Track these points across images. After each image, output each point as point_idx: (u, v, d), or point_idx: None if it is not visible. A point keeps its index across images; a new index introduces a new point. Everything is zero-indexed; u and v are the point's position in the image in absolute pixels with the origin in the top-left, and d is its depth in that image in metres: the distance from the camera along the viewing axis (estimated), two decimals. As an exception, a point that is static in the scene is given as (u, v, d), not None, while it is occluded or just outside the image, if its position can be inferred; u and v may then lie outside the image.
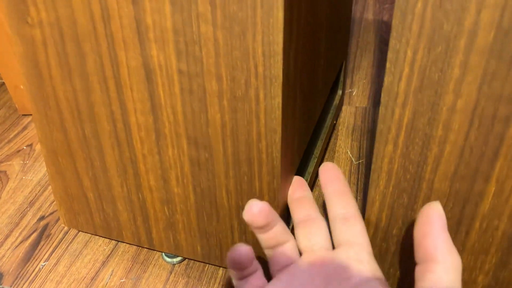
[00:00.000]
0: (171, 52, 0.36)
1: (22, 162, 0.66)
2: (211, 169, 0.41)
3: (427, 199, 0.36)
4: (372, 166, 0.36)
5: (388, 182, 0.36)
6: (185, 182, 0.43)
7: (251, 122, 0.37)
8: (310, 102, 0.48)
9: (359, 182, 0.58)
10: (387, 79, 0.33)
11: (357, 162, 0.61)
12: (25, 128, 0.74)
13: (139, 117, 0.41)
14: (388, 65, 0.32)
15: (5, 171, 0.65)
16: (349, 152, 0.63)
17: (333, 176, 0.42)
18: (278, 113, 0.36)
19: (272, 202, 0.40)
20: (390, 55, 0.32)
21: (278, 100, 0.35)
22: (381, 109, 0.34)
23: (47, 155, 0.48)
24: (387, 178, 0.36)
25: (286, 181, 0.42)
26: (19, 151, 0.69)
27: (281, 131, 0.37)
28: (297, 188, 0.43)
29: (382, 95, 0.33)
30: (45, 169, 0.65)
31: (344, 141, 0.65)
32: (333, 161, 0.62)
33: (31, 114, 0.77)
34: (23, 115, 0.77)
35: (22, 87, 0.73)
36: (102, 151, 0.44)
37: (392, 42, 0.31)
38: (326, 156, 0.63)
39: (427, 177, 0.35)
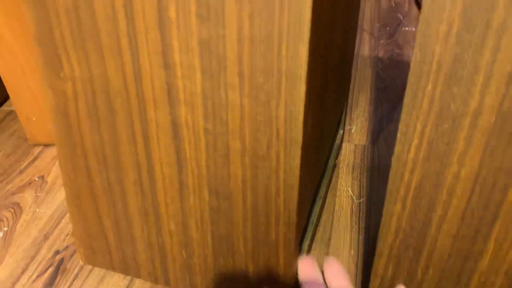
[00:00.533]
0: (199, 113, 0.40)
1: (34, 194, 0.69)
2: (230, 218, 0.44)
3: (431, 254, 0.39)
4: (382, 222, 0.40)
5: (395, 237, 0.40)
6: (204, 228, 0.45)
7: (271, 179, 0.40)
8: (319, 152, 0.51)
9: (360, 221, 0.62)
10: (397, 148, 0.36)
11: (358, 201, 0.65)
12: (36, 158, 0.76)
13: (164, 168, 0.44)
14: (399, 135, 0.36)
15: (18, 203, 0.67)
16: (350, 191, 0.66)
17: (336, 271, 0.44)
18: (296, 171, 0.39)
19: (287, 249, 0.44)
20: (401, 127, 0.35)
21: (297, 161, 0.39)
22: (391, 173, 0.37)
23: (70, 197, 0.50)
24: (395, 233, 0.40)
25: (299, 228, 0.46)
26: (30, 182, 0.71)
27: (299, 187, 0.40)
28: (308, 270, 0.45)
29: (393, 160, 0.37)
30: (58, 201, 0.67)
31: (345, 180, 0.68)
32: (335, 200, 0.65)
33: (41, 144, 0.79)
34: (33, 145, 0.79)
35: (34, 119, 0.75)
36: (125, 197, 0.47)
37: (404, 116, 0.35)
38: (328, 194, 0.66)
39: (431, 235, 0.38)
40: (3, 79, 0.71)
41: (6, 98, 0.91)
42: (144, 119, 0.42)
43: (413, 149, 0.35)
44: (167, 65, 0.38)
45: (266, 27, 0.34)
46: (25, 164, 0.75)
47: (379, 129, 0.79)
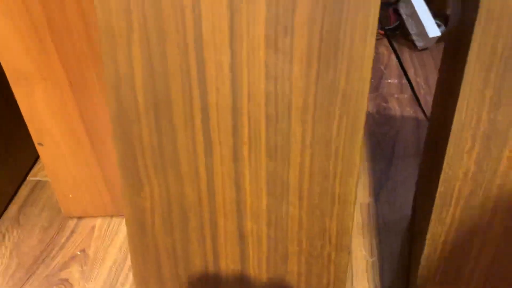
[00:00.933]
0: (263, 224, 0.49)
1: (80, 268, 0.75)
2: (285, 302, 0.53)
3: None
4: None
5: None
6: (262, 310, 0.54)
7: (322, 274, 0.50)
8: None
9: (375, 280, 0.72)
10: (424, 255, 0.46)
11: (372, 259, 0.75)
12: (73, 232, 0.82)
13: (229, 263, 0.52)
14: (426, 248, 0.46)
15: (67, 279, 0.74)
16: (363, 251, 0.76)
17: None
18: (345, 267, 0.49)
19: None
20: (428, 241, 0.45)
21: (346, 260, 0.48)
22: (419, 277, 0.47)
23: (139, 284, 0.58)
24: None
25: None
26: (73, 257, 0.77)
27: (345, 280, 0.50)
28: None
29: (420, 269, 0.47)
30: (104, 275, 0.74)
31: (357, 239, 0.79)
32: (351, 261, 0.75)
33: (75, 217, 0.85)
34: (67, 217, 0.85)
35: (70, 196, 0.82)
36: (192, 285, 0.55)
37: (431, 229, 0.45)
38: (344, 254, 0.76)
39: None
40: (44, 164, 0.77)
41: (29, 169, 0.97)
42: (214, 227, 0.50)
43: (438, 252, 0.46)
44: (238, 188, 0.47)
45: (324, 164, 0.44)
46: (64, 238, 0.81)
47: (379, 186, 0.90)
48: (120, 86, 0.45)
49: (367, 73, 0.39)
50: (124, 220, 0.84)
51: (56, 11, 0.60)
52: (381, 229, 0.80)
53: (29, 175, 0.96)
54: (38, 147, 0.75)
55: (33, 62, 0.65)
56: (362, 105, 0.40)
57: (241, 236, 0.50)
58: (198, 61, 0.42)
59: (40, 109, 0.70)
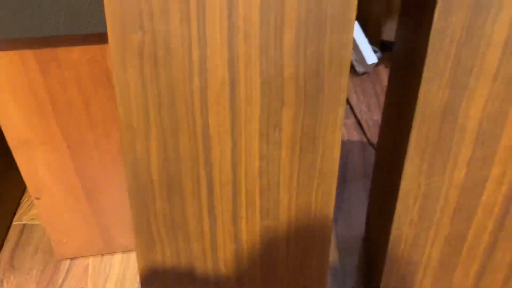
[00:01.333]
0: (257, 268, 0.61)
1: (81, 307, 0.84)
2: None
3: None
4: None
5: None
6: (257, 334, 0.66)
7: (306, 301, 0.63)
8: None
9: (340, 293, 0.86)
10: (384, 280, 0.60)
11: (333, 274, 0.89)
12: (68, 272, 0.90)
13: (229, 300, 0.64)
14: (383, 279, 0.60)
15: (71, 318, 0.82)
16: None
17: None
18: (322, 295, 0.62)
19: None
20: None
21: (324, 290, 0.61)
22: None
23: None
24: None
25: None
26: (74, 296, 0.85)
27: (323, 303, 0.63)
28: None
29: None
30: (105, 311, 0.83)
31: None
32: (319, 277, 0.88)
33: (68, 258, 0.93)
34: (60, 259, 0.92)
35: (64, 240, 0.89)
36: (198, 319, 0.66)
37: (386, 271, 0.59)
38: (312, 272, 0.89)
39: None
40: (40, 214, 0.84)
41: (13, 213, 1.02)
42: (217, 273, 0.62)
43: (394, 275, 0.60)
44: (237, 241, 0.59)
45: (305, 222, 0.57)
46: (61, 279, 0.89)
47: (336, 209, 1.04)
48: (138, 167, 0.55)
49: (337, 156, 0.52)
50: (115, 256, 0.93)
51: (58, 89, 0.68)
52: (342, 250, 0.95)
53: (14, 220, 1.02)
54: (35, 200, 0.82)
55: (34, 130, 0.72)
56: (334, 179, 0.53)
57: (239, 279, 0.62)
58: (205, 149, 0.53)
59: (39, 169, 0.77)
